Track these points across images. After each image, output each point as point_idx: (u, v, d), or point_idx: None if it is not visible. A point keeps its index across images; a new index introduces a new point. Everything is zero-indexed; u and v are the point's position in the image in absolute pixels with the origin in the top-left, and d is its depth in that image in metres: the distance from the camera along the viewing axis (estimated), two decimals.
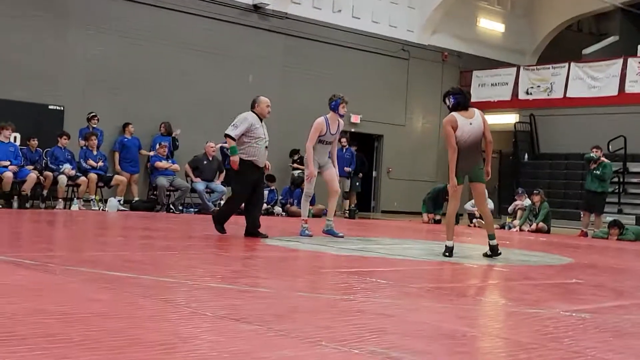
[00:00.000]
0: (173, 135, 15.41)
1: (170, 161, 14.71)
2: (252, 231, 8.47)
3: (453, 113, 7.38)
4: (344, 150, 16.85)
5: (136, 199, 14.54)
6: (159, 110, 15.94)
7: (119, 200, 13.68)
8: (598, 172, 13.94)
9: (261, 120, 8.56)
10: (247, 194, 8.48)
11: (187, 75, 16.53)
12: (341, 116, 9.23)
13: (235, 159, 8.39)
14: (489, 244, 7.42)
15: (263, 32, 17.77)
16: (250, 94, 17.46)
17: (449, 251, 7.27)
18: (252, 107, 8.56)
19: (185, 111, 16.41)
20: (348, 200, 17.17)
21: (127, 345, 2.74)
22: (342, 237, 9.02)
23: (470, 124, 7.33)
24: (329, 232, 9.05)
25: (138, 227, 9.78)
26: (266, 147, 8.58)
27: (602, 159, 14.04)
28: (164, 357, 2.58)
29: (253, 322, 3.30)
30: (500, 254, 7.38)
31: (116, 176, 14.10)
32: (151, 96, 15.99)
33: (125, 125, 15.13)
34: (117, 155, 14.90)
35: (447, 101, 7.50)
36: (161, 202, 14.18)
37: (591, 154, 14.04)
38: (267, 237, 8.31)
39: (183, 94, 16.44)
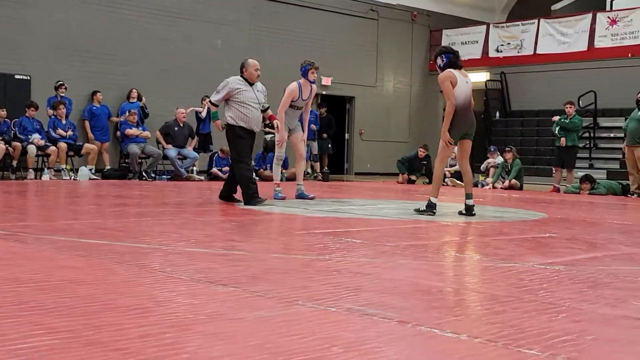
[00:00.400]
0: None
1: (140, 128, 14.55)
2: (227, 196, 8.39)
3: (450, 69, 7.29)
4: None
5: (108, 167, 14.40)
6: (127, 77, 15.72)
7: (90, 169, 13.53)
8: (566, 121, 14.04)
9: (251, 84, 8.29)
10: (249, 155, 8.34)
11: (154, 41, 16.30)
12: (312, 82, 9.15)
13: (216, 123, 8.38)
14: (465, 203, 7.44)
15: None
16: (220, 58, 17.46)
17: (432, 207, 7.31)
18: (241, 71, 8.36)
19: (154, 77, 16.22)
20: (318, 163, 17.15)
21: (101, 310, 2.70)
22: (312, 198, 9.03)
23: (467, 82, 7.35)
24: (300, 196, 9.04)
25: (110, 195, 9.69)
26: (266, 109, 8.38)
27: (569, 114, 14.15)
28: (139, 320, 2.56)
29: (229, 285, 3.28)
30: (474, 214, 7.41)
31: (86, 145, 13.94)
32: (119, 63, 15.76)
33: (94, 93, 14.91)
34: (87, 123, 14.71)
35: (438, 60, 7.41)
36: (133, 169, 14.05)
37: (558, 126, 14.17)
38: (240, 202, 8.25)
39: (151, 60, 16.22)
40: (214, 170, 14.72)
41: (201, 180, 14.46)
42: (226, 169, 14.75)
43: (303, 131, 9.29)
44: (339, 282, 3.47)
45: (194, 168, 14.94)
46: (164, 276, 3.47)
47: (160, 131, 14.61)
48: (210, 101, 8.28)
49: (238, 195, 8.42)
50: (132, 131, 14.31)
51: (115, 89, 15.46)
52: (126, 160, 14.42)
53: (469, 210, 7.43)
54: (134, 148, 14.04)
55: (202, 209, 7.91)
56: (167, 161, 14.49)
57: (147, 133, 14.48)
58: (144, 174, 14.05)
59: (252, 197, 7.93)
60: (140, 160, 14.33)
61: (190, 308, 2.80)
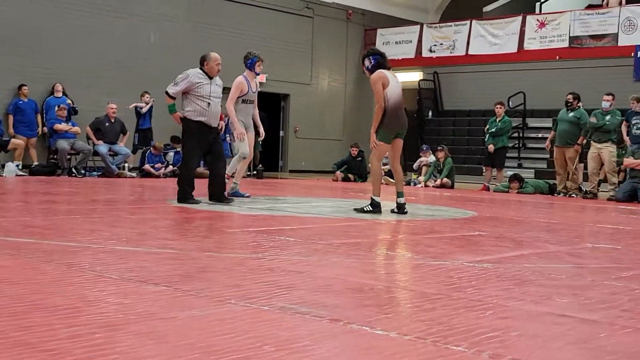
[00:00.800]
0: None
1: (70, 123, 14.24)
2: (217, 195, 8.10)
3: (381, 70, 7.37)
4: None
5: (35, 163, 14.03)
6: (56, 70, 15.37)
7: (17, 165, 13.18)
8: (493, 130, 14.39)
9: (210, 78, 8.12)
10: (197, 155, 8.14)
11: (85, 34, 15.97)
12: (257, 74, 9.08)
13: (175, 115, 8.03)
14: (397, 201, 7.53)
15: None
16: (154, 53, 17.23)
17: (377, 206, 7.38)
18: (201, 64, 8.16)
19: (85, 71, 15.89)
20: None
21: (30, 310, 2.65)
22: (248, 197, 8.98)
23: (397, 82, 7.47)
24: (235, 194, 8.94)
25: (39, 192, 9.46)
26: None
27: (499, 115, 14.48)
28: (69, 320, 2.52)
29: (160, 283, 3.25)
30: (406, 212, 7.49)
31: (13, 140, 13.58)
32: (47, 56, 15.38)
33: (20, 87, 14.51)
34: (10, 118, 14.27)
35: (366, 62, 7.51)
36: (62, 165, 13.75)
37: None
38: (232, 201, 8.09)
39: (81, 53, 15.89)
40: (147, 167, 14.52)
41: (133, 177, 14.25)
42: (158, 165, 14.60)
43: (257, 127, 9.21)
44: (272, 281, 3.48)
45: (126, 164, 14.72)
46: (94, 275, 3.42)
47: (91, 127, 14.33)
48: (167, 92, 7.96)
49: (174, 192, 8.32)
50: (61, 126, 14.00)
51: (44, 83, 15.09)
52: (55, 156, 14.09)
53: (400, 209, 7.51)
54: (62, 144, 13.74)
55: (133, 207, 7.81)
56: (98, 157, 14.23)
57: (76, 128, 14.18)
58: (73, 170, 13.76)
59: (185, 199, 7.81)
60: (69, 157, 14.03)
61: (120, 308, 2.77)
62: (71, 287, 3.14)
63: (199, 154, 8.12)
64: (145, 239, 4.96)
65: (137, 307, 2.79)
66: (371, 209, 7.40)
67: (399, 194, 7.56)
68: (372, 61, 7.44)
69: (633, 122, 12.83)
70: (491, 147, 14.30)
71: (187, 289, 3.15)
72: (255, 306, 2.88)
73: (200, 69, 8.10)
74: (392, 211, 7.59)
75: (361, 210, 7.46)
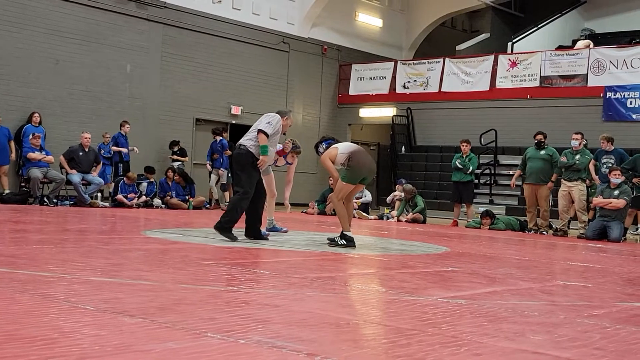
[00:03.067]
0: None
1: (44, 152, 14.14)
2: (254, 232, 8.04)
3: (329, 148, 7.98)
4: (218, 141, 16.74)
5: (7, 191, 13.88)
6: (31, 99, 15.31)
7: None
8: (460, 165, 14.59)
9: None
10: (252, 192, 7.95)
11: (60, 64, 15.95)
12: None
13: (264, 159, 7.78)
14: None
15: (141, 21, 17.39)
16: (129, 83, 17.23)
17: (350, 240, 7.58)
18: (281, 115, 8.14)
19: (59, 100, 15.86)
20: (227, 192, 17.10)
21: (4, 341, 2.63)
22: (286, 231, 9.44)
23: (347, 143, 8.28)
24: (273, 229, 9.30)
25: (10, 220, 9.36)
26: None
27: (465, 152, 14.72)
28: (44, 352, 2.50)
29: (136, 315, 3.24)
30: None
31: None
32: (22, 84, 15.32)
33: None
34: None
35: (320, 149, 8.16)
36: (34, 194, 13.62)
37: (456, 162, 14.73)
38: (268, 238, 8.06)
39: (56, 82, 15.85)
40: (119, 196, 14.43)
41: (105, 207, 14.15)
42: (131, 195, 14.52)
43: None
44: (248, 314, 3.48)
45: (98, 194, 14.63)
46: (69, 306, 3.40)
47: (65, 156, 14.25)
48: (264, 132, 7.74)
49: (144, 222, 8.28)
50: (35, 155, 13.90)
51: (18, 111, 15.01)
52: (27, 185, 13.96)
53: (334, 241, 7.77)
54: (35, 172, 13.62)
55: (107, 237, 7.76)
56: (71, 186, 14.12)
57: (50, 157, 14.09)
58: (45, 199, 13.64)
59: (226, 229, 7.66)
60: (41, 185, 13.91)
61: (96, 339, 2.75)
62: (46, 318, 3.11)
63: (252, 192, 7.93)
64: (119, 270, 4.93)
65: (113, 339, 2.78)
66: (345, 242, 7.57)
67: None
68: (325, 145, 8.12)
69: (602, 161, 13.06)
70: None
71: (163, 321, 3.15)
72: (231, 339, 2.88)
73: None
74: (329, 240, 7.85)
75: (334, 243, 7.60)
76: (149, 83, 17.60)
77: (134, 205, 14.43)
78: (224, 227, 7.65)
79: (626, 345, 3.28)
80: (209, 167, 16.67)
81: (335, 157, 7.79)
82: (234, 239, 7.59)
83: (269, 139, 7.83)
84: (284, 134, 8.46)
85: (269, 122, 7.92)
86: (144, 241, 7.27)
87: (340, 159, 7.76)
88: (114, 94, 16.89)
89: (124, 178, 14.67)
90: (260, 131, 7.78)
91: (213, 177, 16.66)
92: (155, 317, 3.24)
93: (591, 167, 13.08)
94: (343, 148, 7.89)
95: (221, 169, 16.63)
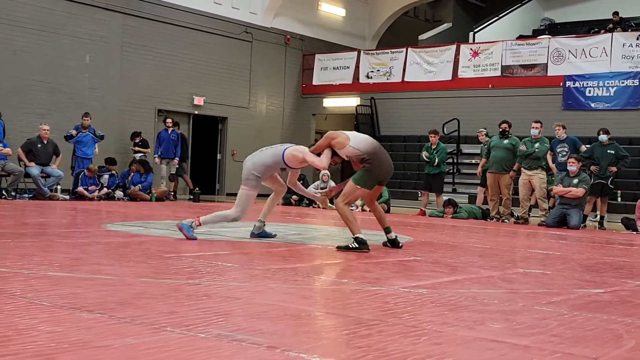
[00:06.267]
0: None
1: (1, 144, 13.89)
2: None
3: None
4: (170, 132, 16.64)
5: None
6: None
7: None
8: (435, 160, 14.66)
9: None
10: None
11: (18, 54, 15.67)
12: None
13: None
14: (388, 238, 7.01)
15: (100, 10, 17.15)
16: (89, 74, 16.99)
17: (363, 243, 6.52)
18: None
19: (17, 92, 15.60)
20: (173, 183, 17.03)
21: None
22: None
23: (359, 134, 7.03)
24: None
25: None
26: None
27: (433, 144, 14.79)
28: None
29: (94, 311, 3.20)
30: (401, 246, 6.97)
31: None
32: None
33: None
34: None
35: None
36: None
37: (423, 155, 14.81)
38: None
39: (14, 73, 15.58)
40: (80, 189, 14.24)
41: (65, 200, 13.96)
42: (92, 187, 14.34)
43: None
44: (209, 307, 3.46)
45: (58, 187, 14.42)
46: (25, 302, 3.34)
47: (22, 148, 14.02)
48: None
49: (103, 215, 8.19)
50: None
51: None
52: None
53: (394, 243, 6.97)
54: None
55: (66, 230, 7.65)
56: (29, 179, 13.90)
57: (8, 150, 13.83)
58: (3, 192, 13.40)
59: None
60: None
61: (53, 336, 2.71)
62: (1, 315, 3.06)
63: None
64: (78, 265, 4.86)
65: (71, 335, 2.74)
66: (357, 245, 6.51)
67: (387, 230, 6.98)
68: None
69: (558, 150, 13.24)
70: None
71: (122, 316, 3.11)
72: (191, 333, 2.86)
73: None
74: (385, 244, 7.05)
75: (346, 248, 6.55)
76: (109, 74, 17.38)
77: (95, 198, 14.26)
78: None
79: (582, 331, 3.32)
80: (157, 160, 16.51)
81: (344, 147, 6.67)
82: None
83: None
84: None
85: None
86: (104, 234, 7.18)
87: (350, 152, 6.68)
88: (73, 85, 16.65)
89: (85, 170, 14.48)
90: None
91: (164, 167, 16.56)
92: (114, 312, 3.21)
93: (548, 157, 13.26)
94: (358, 142, 6.73)
95: (175, 159, 16.57)
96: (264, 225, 7.46)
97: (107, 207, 12.34)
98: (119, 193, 14.92)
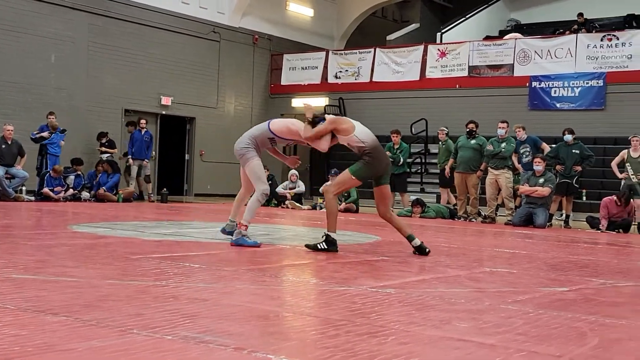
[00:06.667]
0: None
1: None
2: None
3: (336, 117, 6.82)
4: (143, 133, 16.53)
5: None
6: None
7: None
8: (399, 161, 14.74)
9: None
10: None
11: None
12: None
13: None
14: (413, 245, 6.73)
15: (66, 9, 16.96)
16: (55, 74, 16.80)
17: (333, 244, 6.47)
18: None
19: None
20: (150, 184, 16.92)
21: None
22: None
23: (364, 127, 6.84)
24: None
25: None
26: None
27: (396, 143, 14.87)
28: None
29: (59, 313, 3.17)
30: (428, 252, 6.66)
31: None
32: None
33: None
34: None
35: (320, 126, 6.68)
36: None
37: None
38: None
39: None
40: (45, 190, 14.06)
41: (30, 201, 13.78)
42: (58, 188, 14.17)
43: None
44: (176, 309, 3.44)
45: (23, 188, 14.23)
46: None
47: None
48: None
49: (70, 217, 8.10)
50: None
51: None
52: None
53: (421, 250, 6.67)
54: None
55: (31, 232, 7.55)
56: None
57: None
58: None
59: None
60: None
61: (17, 339, 2.68)
62: None
63: None
64: (43, 267, 4.80)
65: (35, 338, 2.71)
66: (326, 246, 6.46)
67: (410, 237, 6.71)
68: (322, 122, 6.72)
69: (521, 151, 13.42)
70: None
71: (88, 319, 3.08)
72: (158, 336, 2.84)
73: None
74: (414, 252, 6.72)
75: (314, 248, 6.50)
76: (76, 73, 17.20)
77: (61, 199, 14.10)
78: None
79: (547, 329, 3.36)
80: (131, 161, 16.42)
81: (348, 135, 6.55)
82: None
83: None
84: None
85: None
86: (70, 236, 7.11)
87: (353, 142, 6.55)
88: (39, 84, 16.45)
89: (50, 171, 14.30)
90: None
91: (135, 168, 16.45)
92: (80, 314, 3.17)
93: (514, 158, 13.43)
94: (362, 133, 6.64)
95: (145, 160, 16.47)
96: (235, 224, 7.18)
97: (74, 208, 12.21)
98: (85, 194, 14.77)
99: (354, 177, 6.57)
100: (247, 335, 2.97)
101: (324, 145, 6.70)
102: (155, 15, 18.79)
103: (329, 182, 16.07)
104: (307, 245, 6.62)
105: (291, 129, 6.86)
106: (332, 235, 6.51)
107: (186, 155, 20.36)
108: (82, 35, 17.29)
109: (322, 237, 6.61)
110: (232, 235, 7.07)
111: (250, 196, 7.08)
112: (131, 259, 5.43)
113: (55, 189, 14.14)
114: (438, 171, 15.44)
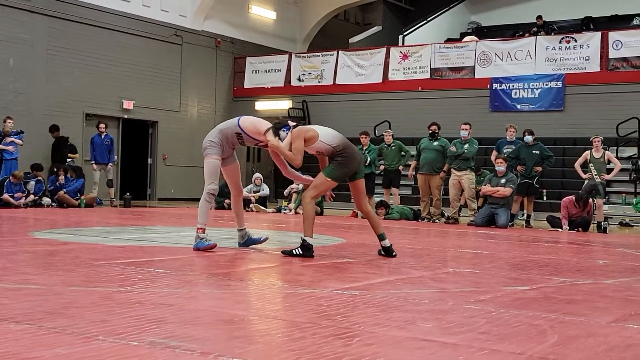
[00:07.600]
0: None
1: None
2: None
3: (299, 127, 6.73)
4: (103, 137, 16.40)
5: None
6: None
7: None
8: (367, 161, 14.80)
9: None
10: None
11: None
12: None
13: None
14: (382, 245, 6.75)
15: (24, 13, 16.74)
16: (13, 78, 16.56)
17: (309, 249, 6.42)
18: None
19: None
20: (112, 189, 16.79)
21: None
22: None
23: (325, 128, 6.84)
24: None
25: None
26: None
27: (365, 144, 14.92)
28: None
29: (22, 321, 3.14)
30: (395, 255, 6.68)
31: None
32: None
33: None
34: None
35: (282, 134, 6.64)
36: None
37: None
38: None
39: None
40: (5, 196, 13.85)
41: None
42: (19, 194, 13.97)
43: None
44: (141, 315, 3.43)
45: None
46: None
47: None
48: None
49: (30, 223, 8.01)
50: None
51: None
52: None
53: (388, 252, 6.69)
54: None
55: None
56: None
57: None
58: None
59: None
60: None
61: None
62: None
63: None
64: (5, 274, 4.75)
65: None
66: (301, 252, 6.40)
67: (381, 237, 6.71)
68: (286, 131, 6.67)
69: (504, 150, 13.57)
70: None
71: (52, 327, 3.06)
72: (123, 342, 2.84)
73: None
74: (379, 253, 6.79)
75: (290, 254, 6.43)
76: (34, 77, 16.98)
77: (22, 205, 13.91)
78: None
79: (509, 328, 3.43)
80: (94, 166, 16.24)
81: (315, 142, 6.52)
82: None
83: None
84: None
85: None
86: (31, 243, 7.02)
87: (322, 147, 6.54)
88: None
89: (10, 177, 14.09)
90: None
91: (97, 173, 16.29)
92: (43, 322, 3.15)
93: (493, 158, 13.50)
94: (328, 136, 6.61)
95: (109, 164, 16.33)
96: (246, 232, 7.17)
97: (35, 214, 12.05)
98: (46, 200, 14.58)
99: (329, 179, 6.55)
100: (213, 339, 2.98)
101: (299, 161, 6.57)
102: (116, 18, 18.64)
103: (293, 185, 16.09)
104: (283, 252, 6.58)
105: (258, 128, 6.84)
106: (308, 240, 6.46)
107: (149, 159, 20.22)
108: (41, 38, 17.08)
109: (298, 244, 6.50)
110: (253, 243, 7.12)
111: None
112: (95, 265, 5.39)
113: (15, 195, 13.94)
114: (402, 173, 15.44)
